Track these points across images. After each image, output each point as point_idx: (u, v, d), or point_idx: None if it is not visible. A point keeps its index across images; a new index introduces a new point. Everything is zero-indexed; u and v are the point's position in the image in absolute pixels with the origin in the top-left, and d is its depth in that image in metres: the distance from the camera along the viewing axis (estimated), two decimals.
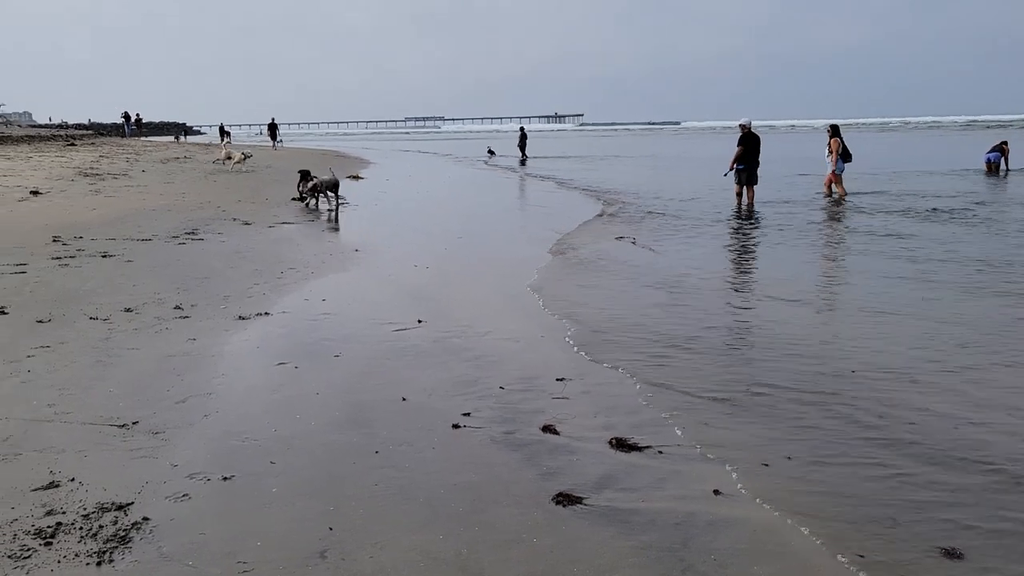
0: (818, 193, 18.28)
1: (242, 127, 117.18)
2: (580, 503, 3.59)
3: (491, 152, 44.47)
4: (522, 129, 41.16)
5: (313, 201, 16.02)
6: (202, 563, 3.07)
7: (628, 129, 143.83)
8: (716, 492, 3.71)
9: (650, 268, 9.71)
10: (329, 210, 15.49)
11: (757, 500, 3.66)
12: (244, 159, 27.65)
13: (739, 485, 3.81)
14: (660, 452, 4.18)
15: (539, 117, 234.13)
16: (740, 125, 16.64)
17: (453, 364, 5.66)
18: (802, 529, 3.40)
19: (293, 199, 17.02)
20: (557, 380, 5.32)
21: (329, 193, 16.03)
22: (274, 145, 48.36)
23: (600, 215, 15.48)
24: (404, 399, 4.91)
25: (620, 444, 4.23)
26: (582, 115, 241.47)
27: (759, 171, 16.56)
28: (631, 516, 3.48)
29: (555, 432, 4.41)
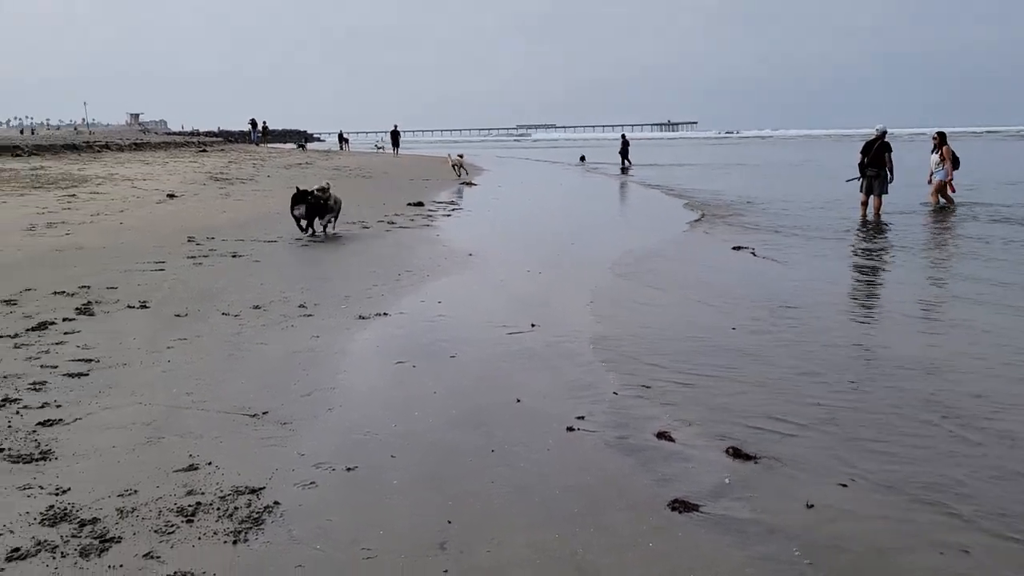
0: (924, 203, 17.35)
1: (358, 134, 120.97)
2: (696, 511, 3.56)
3: (583, 159, 45.29)
4: (623, 136, 41.03)
5: (320, 227, 12.66)
6: (329, 548, 3.21)
7: (746, 137, 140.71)
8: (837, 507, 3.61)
9: (774, 280, 9.50)
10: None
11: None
12: (460, 163, 29.41)
13: (860, 503, 3.70)
14: (779, 463, 4.10)
15: (651, 124, 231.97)
16: (876, 130, 16.06)
17: (566, 368, 5.71)
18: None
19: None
20: (671, 387, 5.28)
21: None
22: (395, 152, 49.78)
23: (710, 223, 15.23)
24: (518, 401, 4.99)
25: (737, 453, 4.17)
26: (696, 123, 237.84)
27: (891, 182, 15.85)
28: (749, 526, 3.43)
29: (670, 439, 4.39)
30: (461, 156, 30.77)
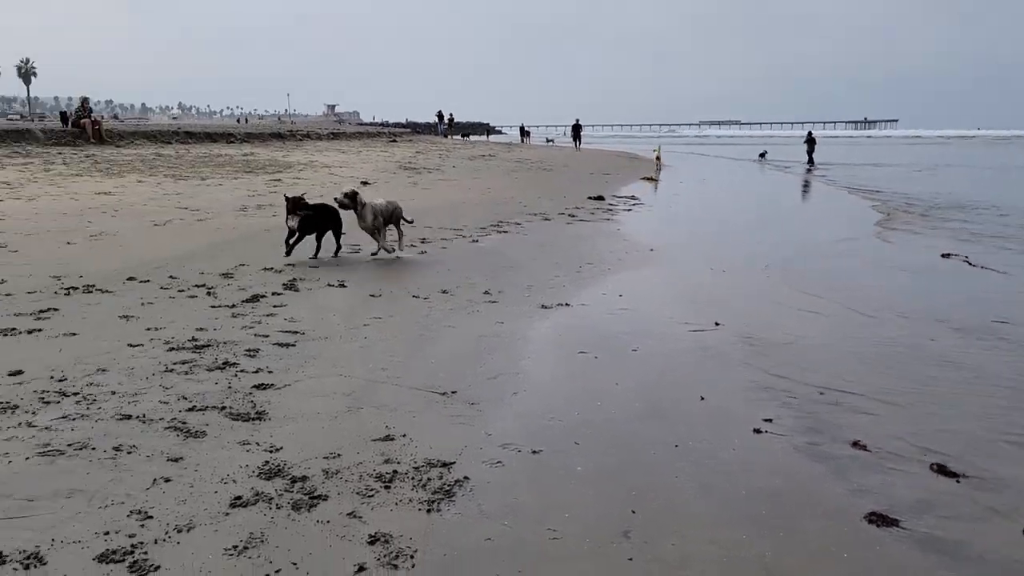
0: None
1: (538, 127, 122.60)
2: (896, 526, 3.38)
3: (762, 156, 43.40)
4: (810, 133, 39.14)
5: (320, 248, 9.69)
6: (516, 525, 3.31)
7: (953, 137, 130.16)
8: None
9: (990, 292, 8.80)
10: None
11: None
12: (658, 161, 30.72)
13: None
14: (988, 484, 3.81)
15: (845, 122, 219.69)
16: None
17: (752, 369, 5.55)
18: None
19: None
20: (868, 396, 5.02)
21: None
22: (576, 145, 50.08)
23: (907, 223, 14.25)
24: (702, 398, 4.91)
25: (942, 470, 3.91)
26: (896, 120, 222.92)
27: None
28: (959, 548, 3.22)
29: (865, 448, 4.18)
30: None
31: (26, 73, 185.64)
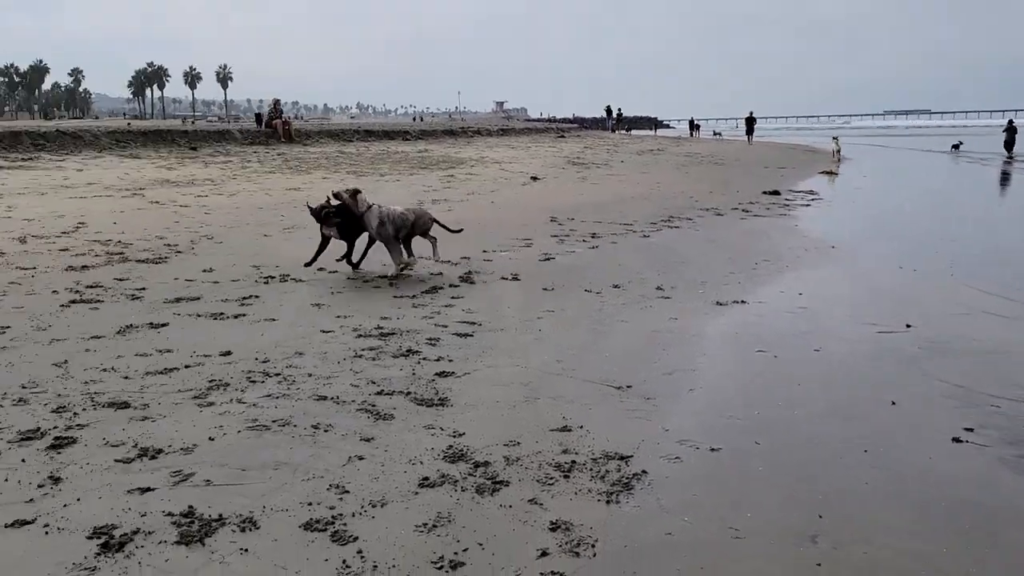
0: None
1: (708, 120, 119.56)
2: None
3: (956, 147, 39.68)
4: (1010, 122, 35.82)
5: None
6: (696, 521, 3.29)
7: None
8: None
9: None
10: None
11: None
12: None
13: None
14: None
15: None
16: None
17: (949, 374, 5.20)
18: None
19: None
20: None
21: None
22: (749, 139, 48.54)
23: None
24: (893, 403, 4.66)
25: None
26: None
27: None
28: None
29: None
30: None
31: (224, 78, 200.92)
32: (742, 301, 7.19)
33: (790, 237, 11.15)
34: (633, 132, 65.37)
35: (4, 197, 13.45)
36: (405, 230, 8.08)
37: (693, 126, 67.26)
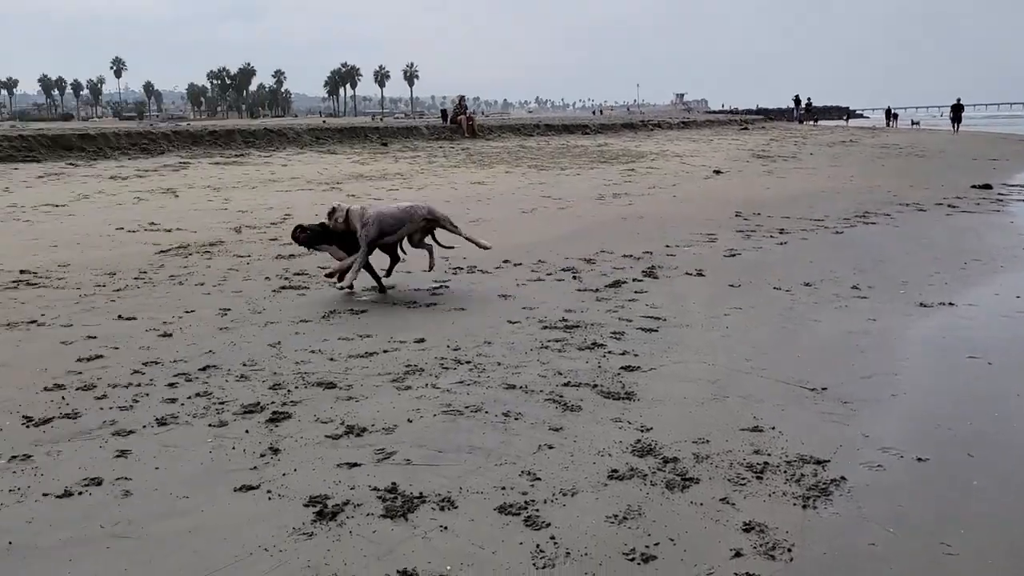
0: None
1: (906, 109, 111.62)
2: None
3: None
4: None
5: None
6: (903, 533, 3.11)
7: None
8: None
9: None
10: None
11: None
12: None
13: None
14: None
15: None
16: None
17: None
18: None
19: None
20: None
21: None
22: (955, 128, 44.87)
23: None
24: None
25: None
26: None
27: None
28: None
29: None
30: None
31: (410, 76, 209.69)
32: (949, 303, 6.70)
33: (1005, 235, 10.26)
34: (820, 123, 62.17)
35: (221, 190, 14.74)
36: (403, 230, 7.23)
37: (890, 115, 63.15)
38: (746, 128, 46.27)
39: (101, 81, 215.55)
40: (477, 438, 4.03)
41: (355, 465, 3.71)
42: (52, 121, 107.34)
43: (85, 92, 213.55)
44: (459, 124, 30.56)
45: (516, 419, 4.27)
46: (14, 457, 3.77)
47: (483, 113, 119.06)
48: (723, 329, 6.03)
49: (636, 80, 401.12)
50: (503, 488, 3.48)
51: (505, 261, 8.55)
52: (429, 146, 26.83)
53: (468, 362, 5.23)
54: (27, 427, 4.13)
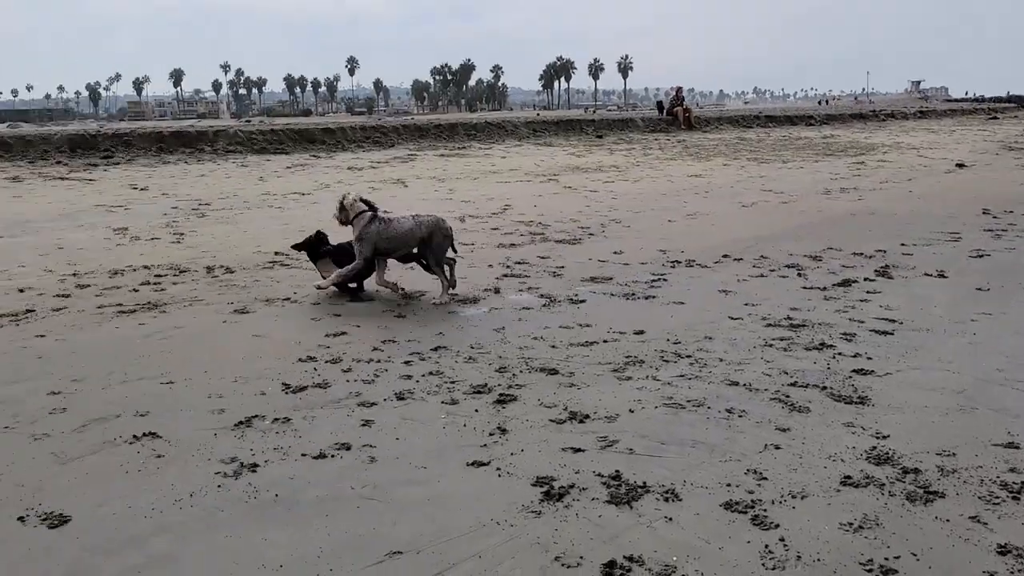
0: None
1: None
2: None
3: None
4: None
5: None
6: None
7: None
8: None
9: None
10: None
11: None
12: None
13: None
14: None
15: None
16: None
17: None
18: None
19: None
20: None
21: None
22: None
23: None
24: None
25: None
26: None
27: None
28: None
29: None
30: None
31: (624, 68, 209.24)
32: None
33: None
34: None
35: (445, 181, 15.48)
36: (403, 249, 6.68)
37: None
38: (995, 117, 42.07)
39: (337, 79, 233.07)
40: (700, 433, 3.99)
41: (579, 450, 3.80)
42: (294, 116, 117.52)
43: (323, 90, 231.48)
44: (675, 116, 30.12)
45: (740, 416, 4.18)
46: (276, 419, 4.20)
47: (697, 104, 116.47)
48: (970, 336, 5.56)
49: (865, 68, 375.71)
50: (728, 485, 3.43)
51: (725, 256, 8.35)
52: (644, 138, 26.66)
53: (688, 356, 5.18)
54: (286, 393, 4.58)
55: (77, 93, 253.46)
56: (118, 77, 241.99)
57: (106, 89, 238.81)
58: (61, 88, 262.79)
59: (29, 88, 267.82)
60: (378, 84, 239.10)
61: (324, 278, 6.73)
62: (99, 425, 4.11)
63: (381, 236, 6.52)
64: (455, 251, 6.95)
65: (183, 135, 20.43)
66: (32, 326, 5.88)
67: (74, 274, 7.53)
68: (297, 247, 7.20)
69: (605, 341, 5.54)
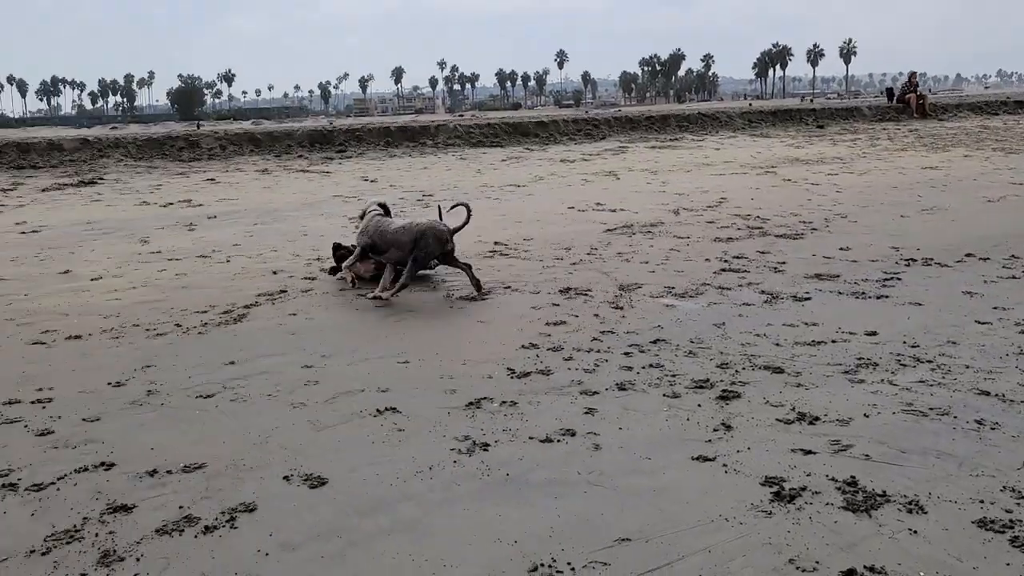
0: None
1: None
2: None
3: None
4: None
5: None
6: None
7: None
8: None
9: None
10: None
11: None
12: None
13: None
14: None
15: None
16: None
17: None
18: None
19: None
20: None
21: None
22: None
23: None
24: None
25: None
26: None
27: None
28: None
29: None
30: None
31: (847, 53, 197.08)
32: None
33: None
34: None
35: (658, 173, 15.34)
36: (396, 252, 6.58)
37: None
38: None
39: (546, 72, 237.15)
40: (945, 443, 3.73)
41: (809, 452, 3.67)
42: (504, 110, 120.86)
43: (532, 83, 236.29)
44: (907, 103, 27.98)
45: (993, 429, 3.86)
46: (503, 402, 4.38)
47: (930, 90, 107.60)
48: None
49: None
50: (981, 501, 3.18)
51: (968, 254, 7.70)
52: (871, 128, 25.00)
53: (929, 361, 4.84)
54: (511, 378, 4.77)
55: (310, 92, 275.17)
56: (346, 76, 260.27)
57: (335, 87, 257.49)
58: (297, 87, 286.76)
59: (270, 88, 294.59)
60: (586, 77, 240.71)
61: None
62: (347, 398, 4.48)
63: (376, 231, 6.65)
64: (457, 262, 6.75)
65: (407, 130, 21.62)
66: (286, 305, 6.50)
67: (318, 258, 8.22)
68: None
69: (833, 341, 5.29)
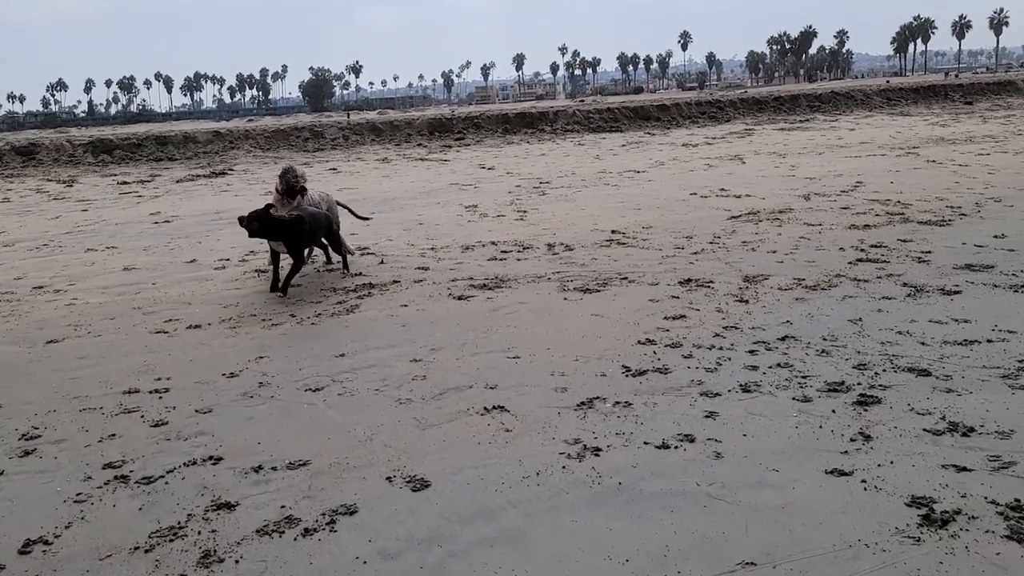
0: None
1: None
2: None
3: None
4: None
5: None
6: None
7: None
8: None
9: None
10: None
11: None
12: None
13: None
14: None
15: None
16: None
17: None
18: None
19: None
20: None
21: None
22: None
23: None
24: None
25: None
26: None
27: None
28: None
29: None
30: None
31: (998, 24, 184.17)
32: None
33: None
34: None
35: (787, 156, 14.59)
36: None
37: None
38: None
39: (669, 55, 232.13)
40: None
41: (964, 469, 3.24)
42: (625, 94, 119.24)
43: (655, 66, 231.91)
44: None
45: None
46: (618, 403, 4.12)
47: None
48: None
49: None
50: None
51: None
52: None
53: None
54: (626, 376, 4.50)
55: (433, 80, 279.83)
56: (468, 64, 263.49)
57: (458, 76, 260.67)
58: (421, 77, 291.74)
59: (395, 78, 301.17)
60: (711, 58, 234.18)
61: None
62: (454, 394, 4.33)
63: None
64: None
65: (526, 116, 21.48)
66: (398, 296, 6.44)
67: (432, 248, 8.16)
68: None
69: (989, 340, 4.75)
